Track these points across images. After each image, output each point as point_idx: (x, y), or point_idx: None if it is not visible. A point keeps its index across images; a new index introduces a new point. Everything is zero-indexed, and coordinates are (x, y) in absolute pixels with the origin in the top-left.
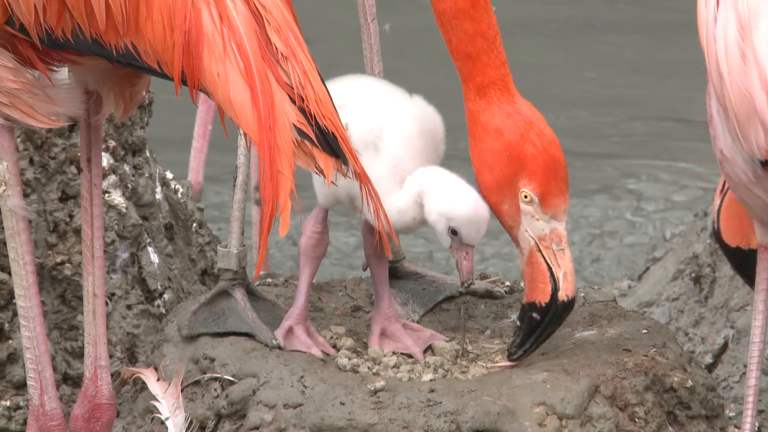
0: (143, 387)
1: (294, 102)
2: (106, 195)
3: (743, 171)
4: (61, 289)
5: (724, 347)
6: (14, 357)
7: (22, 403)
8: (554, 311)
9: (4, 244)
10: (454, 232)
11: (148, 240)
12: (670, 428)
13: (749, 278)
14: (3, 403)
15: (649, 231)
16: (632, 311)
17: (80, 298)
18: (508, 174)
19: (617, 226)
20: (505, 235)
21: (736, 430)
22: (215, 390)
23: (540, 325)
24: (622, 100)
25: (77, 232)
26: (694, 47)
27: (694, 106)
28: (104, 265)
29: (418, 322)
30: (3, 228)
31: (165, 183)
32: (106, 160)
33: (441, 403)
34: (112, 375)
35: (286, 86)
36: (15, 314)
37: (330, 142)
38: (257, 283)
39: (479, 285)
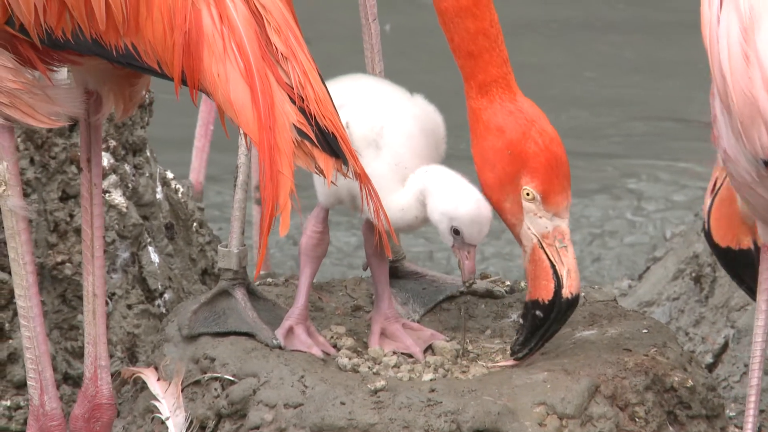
0: (143, 387)
1: (294, 102)
2: (107, 194)
3: (746, 171)
4: (61, 289)
5: (725, 347)
6: (15, 357)
7: (22, 403)
8: (558, 308)
9: (5, 243)
10: (456, 232)
11: (149, 239)
12: (671, 428)
13: (740, 278)
14: (3, 402)
15: (650, 231)
16: (633, 311)
17: (81, 298)
18: (510, 172)
19: (618, 225)
20: (506, 234)
21: (737, 429)
22: (215, 390)
23: (543, 323)
24: (623, 100)
25: (78, 231)
26: (694, 47)
27: (694, 106)
28: (104, 264)
29: (418, 322)
30: (3, 228)
31: (165, 183)
32: (106, 159)
33: (441, 402)
34: (112, 375)
35: (286, 86)
36: (15, 314)
37: (330, 142)
38: (258, 282)
39: (480, 284)
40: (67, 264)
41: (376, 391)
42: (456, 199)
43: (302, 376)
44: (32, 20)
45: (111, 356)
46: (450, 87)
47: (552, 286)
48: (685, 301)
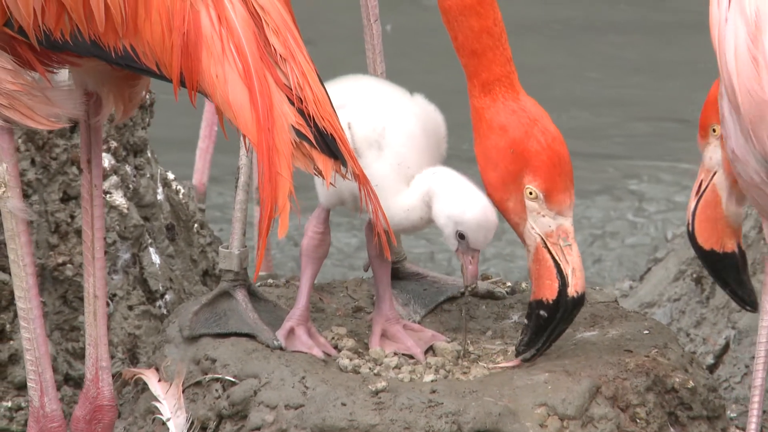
0: (144, 388)
1: (292, 103)
2: (108, 196)
3: (756, 171)
4: (62, 290)
5: (726, 348)
6: (16, 358)
7: (23, 404)
8: (564, 308)
9: (5, 245)
10: (461, 236)
11: (150, 241)
12: (672, 429)
13: (723, 281)
14: (4, 404)
15: (651, 232)
16: (634, 312)
17: (81, 299)
18: (512, 171)
19: (619, 226)
20: (507, 235)
21: (738, 430)
22: (216, 391)
23: (548, 323)
24: (624, 101)
25: (78, 232)
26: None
27: (696, 107)
28: (105, 266)
29: (419, 323)
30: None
31: (166, 184)
32: (107, 160)
33: (442, 403)
34: (113, 376)
35: (285, 87)
36: (17, 315)
37: (329, 144)
38: (259, 283)
39: (481, 285)
40: (68, 265)
41: (377, 392)
42: (463, 204)
43: (303, 377)
44: (31, 22)
45: (112, 357)
46: (451, 87)
47: (556, 285)
48: (686, 302)
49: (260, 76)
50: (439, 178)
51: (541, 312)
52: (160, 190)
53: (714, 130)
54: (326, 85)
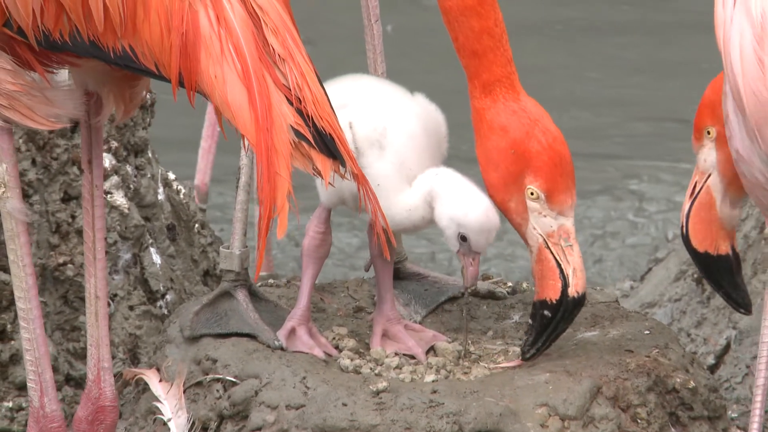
0: (145, 388)
1: (291, 103)
2: (109, 196)
3: (760, 171)
4: (63, 290)
5: (727, 348)
6: (16, 358)
7: (24, 404)
8: (565, 307)
9: (5, 245)
10: (463, 239)
11: (151, 241)
12: (673, 429)
13: (717, 284)
14: (5, 404)
15: (651, 232)
16: (634, 312)
17: (82, 299)
18: (513, 171)
19: (619, 226)
20: (508, 235)
21: (739, 431)
22: (217, 391)
23: (551, 323)
24: (624, 101)
25: (79, 233)
26: (695, 48)
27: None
28: (106, 266)
29: (420, 323)
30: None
31: (167, 184)
32: (108, 160)
33: (443, 404)
34: (114, 376)
35: (284, 88)
36: (17, 315)
37: (327, 144)
38: (259, 284)
39: (482, 286)
40: (69, 265)
41: (378, 393)
42: (466, 206)
43: (304, 378)
44: (30, 22)
45: (113, 357)
46: (451, 87)
47: (559, 285)
48: (686, 302)
49: (259, 76)
50: (442, 180)
51: (545, 312)
52: (160, 190)
53: (708, 133)
54: (327, 84)
